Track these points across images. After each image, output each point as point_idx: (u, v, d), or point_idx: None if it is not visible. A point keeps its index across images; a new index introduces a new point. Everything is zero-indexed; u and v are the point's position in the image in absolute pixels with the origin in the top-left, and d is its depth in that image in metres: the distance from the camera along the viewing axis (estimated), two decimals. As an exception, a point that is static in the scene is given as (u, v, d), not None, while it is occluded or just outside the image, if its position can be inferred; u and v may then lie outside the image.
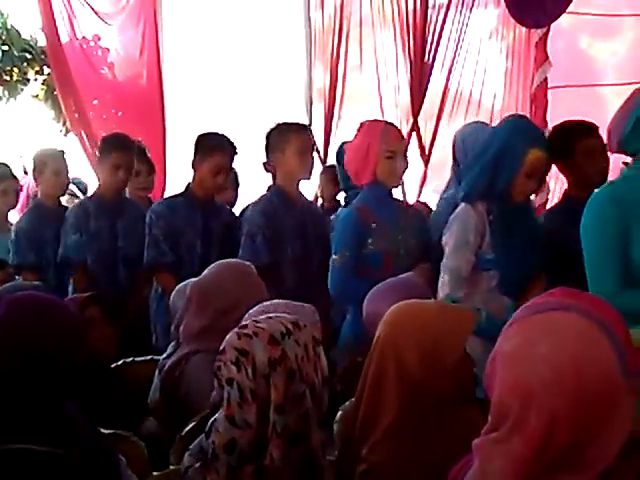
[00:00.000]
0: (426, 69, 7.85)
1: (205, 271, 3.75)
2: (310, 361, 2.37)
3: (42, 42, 7.70)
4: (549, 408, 1.49)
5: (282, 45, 8.02)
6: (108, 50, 7.55)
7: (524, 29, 7.86)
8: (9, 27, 7.85)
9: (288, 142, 4.87)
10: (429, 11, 7.82)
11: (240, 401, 2.31)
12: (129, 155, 5.50)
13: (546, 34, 7.65)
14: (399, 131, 4.68)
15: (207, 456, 2.38)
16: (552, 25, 7.54)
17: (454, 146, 4.81)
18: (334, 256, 4.45)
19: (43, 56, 7.74)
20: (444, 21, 7.86)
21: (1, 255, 5.65)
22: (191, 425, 2.94)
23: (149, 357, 4.22)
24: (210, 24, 7.79)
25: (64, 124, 7.85)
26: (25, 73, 7.93)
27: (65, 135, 7.90)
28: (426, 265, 4.47)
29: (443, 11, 7.86)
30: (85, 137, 7.19)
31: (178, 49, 7.78)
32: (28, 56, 7.91)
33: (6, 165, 5.99)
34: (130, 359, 4.16)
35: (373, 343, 2.45)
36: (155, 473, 2.83)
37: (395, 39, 7.94)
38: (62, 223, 5.59)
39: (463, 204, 4.04)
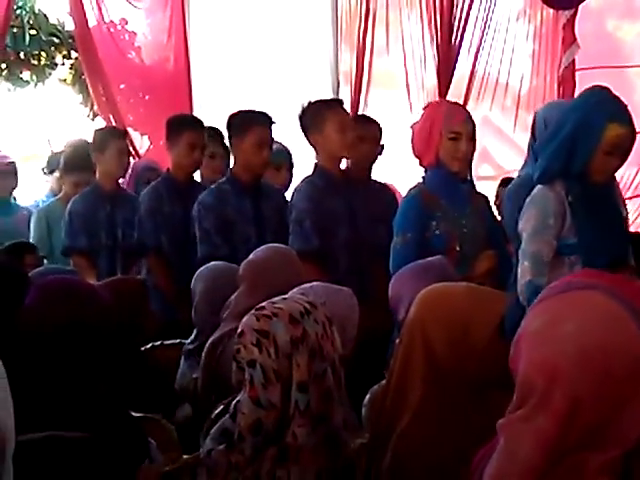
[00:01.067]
0: (453, 51, 7.80)
1: (255, 252, 3.77)
2: (328, 339, 2.39)
3: (70, 26, 7.72)
4: (574, 385, 1.49)
5: (308, 28, 8.00)
6: (135, 34, 7.57)
7: (552, 11, 7.83)
8: (37, 11, 7.85)
9: (325, 120, 4.73)
10: (456, -7, 7.78)
11: (264, 382, 2.32)
12: (203, 133, 5.39)
13: (574, 16, 7.62)
14: (466, 112, 4.49)
15: (232, 438, 2.40)
16: (579, 7, 7.51)
17: (534, 124, 4.55)
18: (396, 237, 4.29)
19: (71, 40, 7.75)
20: (471, 3, 7.80)
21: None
22: (220, 408, 2.96)
23: (177, 340, 4.25)
24: (237, 7, 7.78)
25: (91, 108, 7.87)
26: (53, 57, 7.94)
27: (92, 119, 7.92)
28: (491, 252, 4.32)
29: (470, -7, 7.83)
30: (113, 121, 7.21)
31: (205, 33, 7.79)
32: (56, 40, 7.92)
33: (88, 155, 5.86)
34: (159, 342, 4.19)
35: (404, 327, 2.46)
36: (185, 456, 2.85)
37: (422, 21, 7.89)
38: (118, 206, 5.60)
39: (540, 186, 3.82)
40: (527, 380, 1.56)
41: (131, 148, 7.13)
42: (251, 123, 4.93)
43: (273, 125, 5.01)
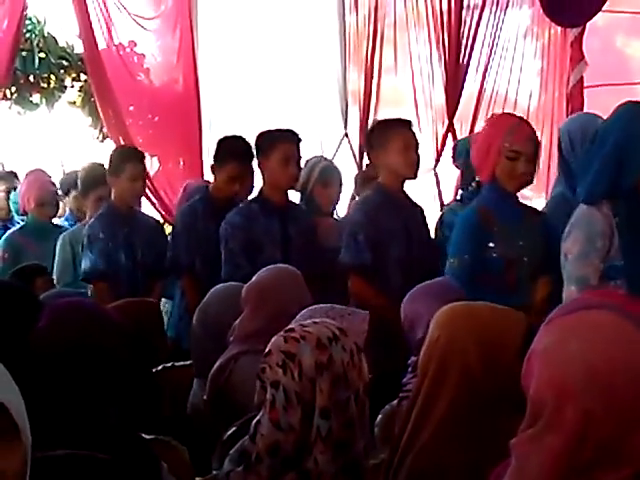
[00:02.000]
0: (461, 70, 7.84)
1: (259, 274, 3.74)
2: (355, 367, 2.37)
3: (79, 49, 7.74)
4: (583, 404, 1.49)
5: (317, 48, 8.02)
6: (144, 56, 7.57)
7: (559, 28, 7.86)
8: (46, 34, 7.88)
9: (390, 138, 4.66)
10: (463, 12, 7.82)
11: (285, 404, 2.31)
12: (248, 166, 5.30)
13: (581, 33, 7.64)
14: (530, 130, 4.17)
15: (250, 459, 2.39)
16: (587, 24, 7.52)
17: (559, 141, 4.43)
18: (451, 259, 4.10)
19: (80, 63, 7.78)
20: (479, 22, 7.86)
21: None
22: (232, 429, 2.95)
23: (189, 362, 4.24)
24: (245, 28, 7.80)
25: (101, 130, 7.90)
26: (62, 80, 7.96)
27: (102, 141, 7.94)
28: (547, 278, 4.09)
29: (477, 12, 7.86)
30: (122, 143, 7.21)
31: (214, 54, 7.81)
32: (65, 63, 7.95)
33: (103, 168, 5.80)
34: (170, 364, 4.18)
35: (429, 345, 2.43)
36: (198, 478, 2.84)
37: (430, 40, 7.93)
38: (135, 227, 5.50)
39: (584, 207, 3.65)
40: (537, 398, 1.56)
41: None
42: (276, 140, 4.90)
43: (300, 142, 4.96)
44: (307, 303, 3.29)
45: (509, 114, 4.48)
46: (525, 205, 4.32)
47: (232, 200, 5.32)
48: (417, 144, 4.77)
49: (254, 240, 4.87)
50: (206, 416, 3.76)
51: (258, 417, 2.41)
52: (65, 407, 2.44)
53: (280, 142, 4.89)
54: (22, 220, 6.48)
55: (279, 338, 2.39)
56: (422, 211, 5.04)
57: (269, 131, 5.01)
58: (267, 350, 2.38)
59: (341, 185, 5.72)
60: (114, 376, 2.60)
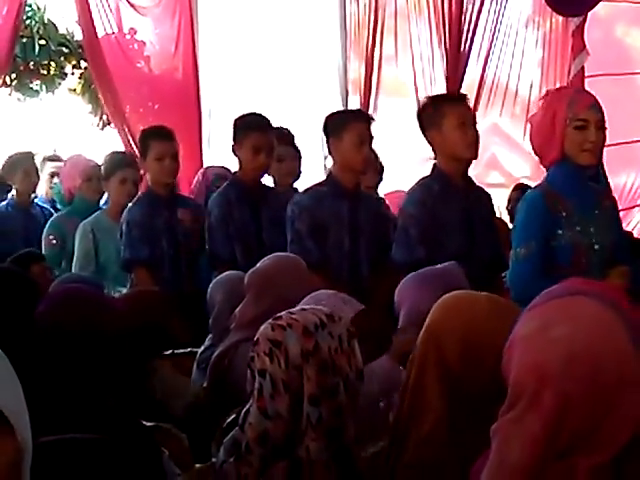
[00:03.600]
0: (462, 59, 7.82)
1: (262, 262, 3.72)
2: (344, 353, 2.38)
3: (79, 36, 7.73)
4: (563, 387, 1.51)
5: (317, 37, 8.00)
6: (144, 43, 7.55)
7: (560, 18, 7.86)
8: (46, 21, 7.87)
9: (444, 116, 4.37)
10: (464, 0, 7.79)
11: (272, 392, 2.32)
12: (269, 136, 5.07)
13: (583, 23, 7.63)
14: (593, 98, 3.87)
15: (241, 449, 2.39)
16: (589, 14, 7.51)
17: None
18: (517, 249, 3.79)
19: (80, 50, 7.77)
20: (480, 10, 7.83)
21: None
22: (232, 417, 2.95)
23: (188, 349, 4.24)
24: (246, 16, 7.78)
25: (101, 118, 7.89)
26: (62, 67, 7.95)
27: (102, 129, 7.94)
28: (624, 267, 3.76)
29: (479, 0, 7.83)
30: (125, 130, 7.21)
31: (214, 42, 7.79)
32: (65, 50, 7.93)
33: (124, 153, 5.66)
34: (170, 351, 4.18)
35: (422, 334, 2.42)
36: (197, 465, 2.85)
37: (430, 29, 7.91)
38: (176, 211, 5.30)
39: None
40: (518, 383, 1.57)
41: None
42: (349, 120, 4.73)
43: (372, 122, 4.79)
44: (311, 291, 3.28)
45: (564, 87, 4.28)
46: (597, 186, 4.07)
47: (263, 184, 5.20)
48: (474, 120, 4.51)
49: (320, 223, 4.67)
50: (205, 403, 3.76)
51: (247, 406, 2.42)
52: (64, 391, 2.45)
53: (353, 122, 4.71)
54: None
55: (267, 326, 2.40)
56: (489, 198, 4.79)
57: (340, 111, 4.88)
58: (256, 338, 2.39)
59: (375, 170, 5.56)
60: (114, 362, 2.60)
